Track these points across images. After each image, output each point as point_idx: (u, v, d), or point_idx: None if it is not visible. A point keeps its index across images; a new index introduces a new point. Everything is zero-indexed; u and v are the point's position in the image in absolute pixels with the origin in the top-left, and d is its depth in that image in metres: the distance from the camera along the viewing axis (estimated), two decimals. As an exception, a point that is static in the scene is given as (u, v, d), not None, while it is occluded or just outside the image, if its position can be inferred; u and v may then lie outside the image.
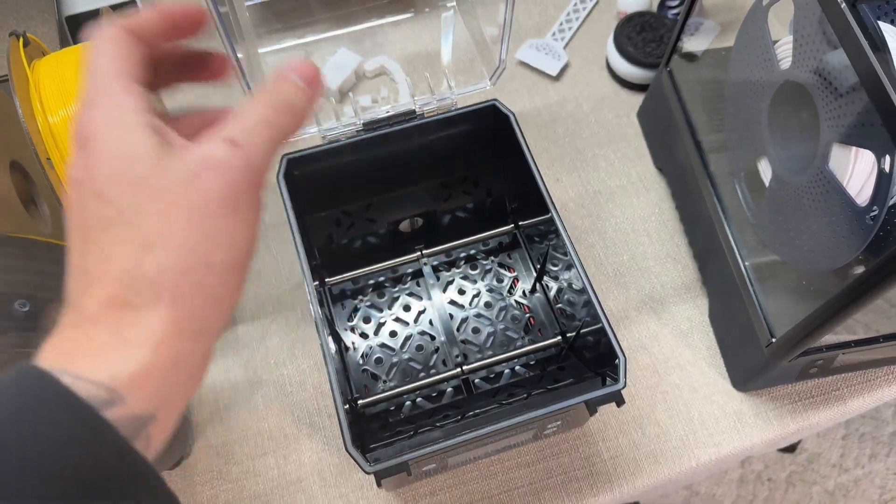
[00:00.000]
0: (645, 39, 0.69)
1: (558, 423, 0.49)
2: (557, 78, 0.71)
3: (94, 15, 0.71)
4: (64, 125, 0.47)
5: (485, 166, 0.58)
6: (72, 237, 0.25)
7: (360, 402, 0.53)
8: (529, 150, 0.51)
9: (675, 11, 0.72)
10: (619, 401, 0.43)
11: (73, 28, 0.70)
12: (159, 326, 0.24)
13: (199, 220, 0.24)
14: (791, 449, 1.28)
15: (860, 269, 0.51)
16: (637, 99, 0.71)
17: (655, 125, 0.67)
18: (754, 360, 0.54)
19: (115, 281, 0.24)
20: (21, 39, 0.50)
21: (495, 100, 0.53)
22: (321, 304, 0.52)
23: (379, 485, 0.41)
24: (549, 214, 0.50)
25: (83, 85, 0.26)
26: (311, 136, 0.52)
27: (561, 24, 0.74)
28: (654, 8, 0.74)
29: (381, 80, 0.71)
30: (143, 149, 0.24)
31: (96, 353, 0.23)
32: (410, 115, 0.52)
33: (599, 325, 0.46)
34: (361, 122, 0.51)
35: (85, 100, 0.26)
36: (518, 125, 0.52)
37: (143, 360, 0.23)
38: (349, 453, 0.41)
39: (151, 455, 0.24)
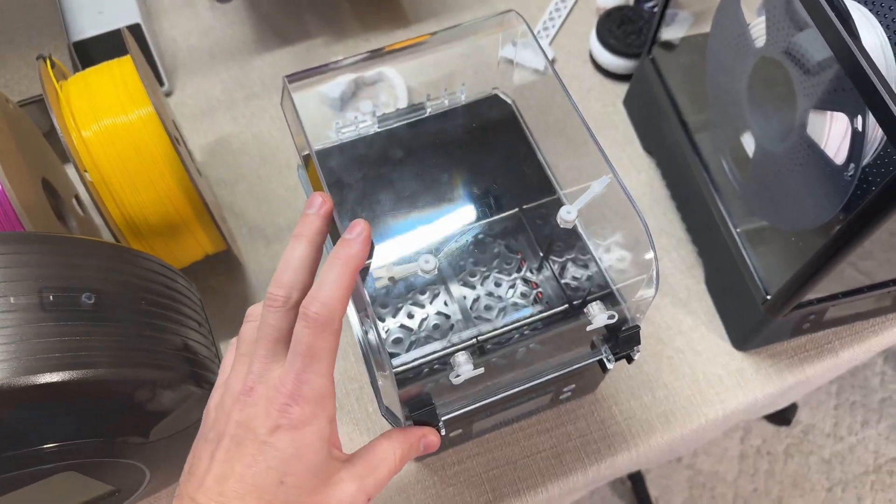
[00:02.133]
0: (625, 32, 0.73)
1: (572, 386, 0.53)
2: (545, 72, 0.75)
3: (100, 40, 0.74)
4: (97, 139, 0.50)
5: (489, 155, 0.61)
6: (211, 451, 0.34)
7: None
8: (532, 135, 0.55)
9: (650, 4, 0.77)
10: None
11: (81, 53, 0.73)
12: None
13: None
14: (787, 422, 1.33)
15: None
16: (621, 88, 0.75)
17: (642, 111, 0.71)
18: (752, 319, 0.58)
19: None
20: (48, 62, 0.53)
21: (496, 89, 0.57)
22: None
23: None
24: (555, 195, 0.54)
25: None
26: (331, 142, 0.55)
27: (544, 21, 0.78)
28: (631, 2, 0.78)
29: (379, 88, 0.75)
30: (318, 460, 0.34)
31: None
32: (420, 107, 0.56)
33: (608, 290, 0.50)
34: (377, 118, 0.55)
35: (311, 377, 0.34)
36: (520, 112, 0.56)
37: None
38: (384, 416, 0.44)
39: None
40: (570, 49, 0.77)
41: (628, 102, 0.73)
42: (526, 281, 0.62)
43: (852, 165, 0.47)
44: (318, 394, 0.34)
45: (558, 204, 0.55)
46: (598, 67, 0.76)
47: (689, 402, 0.59)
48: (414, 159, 0.59)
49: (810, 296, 0.55)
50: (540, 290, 0.61)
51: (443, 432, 0.45)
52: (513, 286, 0.62)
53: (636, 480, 1.26)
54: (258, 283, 0.64)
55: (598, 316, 0.43)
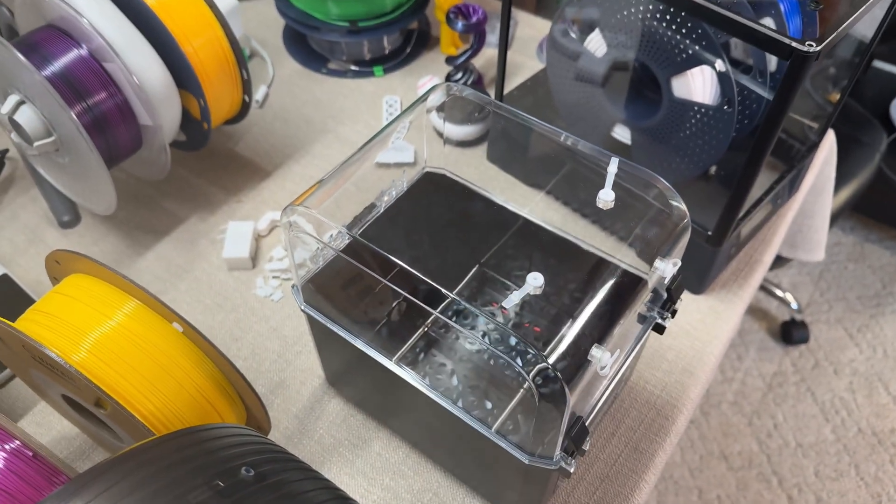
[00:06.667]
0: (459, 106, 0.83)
1: (629, 371, 0.56)
2: (416, 164, 0.82)
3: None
4: (92, 359, 0.45)
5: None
6: None
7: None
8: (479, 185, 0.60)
9: (460, 60, 0.88)
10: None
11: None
12: None
13: None
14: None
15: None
16: (478, 152, 0.84)
17: (512, 155, 0.80)
18: (701, 260, 0.67)
19: None
20: None
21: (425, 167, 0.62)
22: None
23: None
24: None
25: None
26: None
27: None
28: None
29: (277, 234, 0.75)
30: None
31: None
32: (372, 207, 0.58)
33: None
34: (342, 233, 0.56)
35: None
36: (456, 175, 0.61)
37: None
38: (533, 462, 0.44)
39: None
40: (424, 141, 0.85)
41: (493, 156, 0.82)
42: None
43: (727, 99, 0.60)
44: None
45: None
46: (453, 143, 0.84)
47: (695, 351, 0.66)
48: (406, 241, 0.61)
49: (734, 220, 0.66)
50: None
51: (587, 447, 0.45)
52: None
53: None
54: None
55: (667, 267, 0.47)
